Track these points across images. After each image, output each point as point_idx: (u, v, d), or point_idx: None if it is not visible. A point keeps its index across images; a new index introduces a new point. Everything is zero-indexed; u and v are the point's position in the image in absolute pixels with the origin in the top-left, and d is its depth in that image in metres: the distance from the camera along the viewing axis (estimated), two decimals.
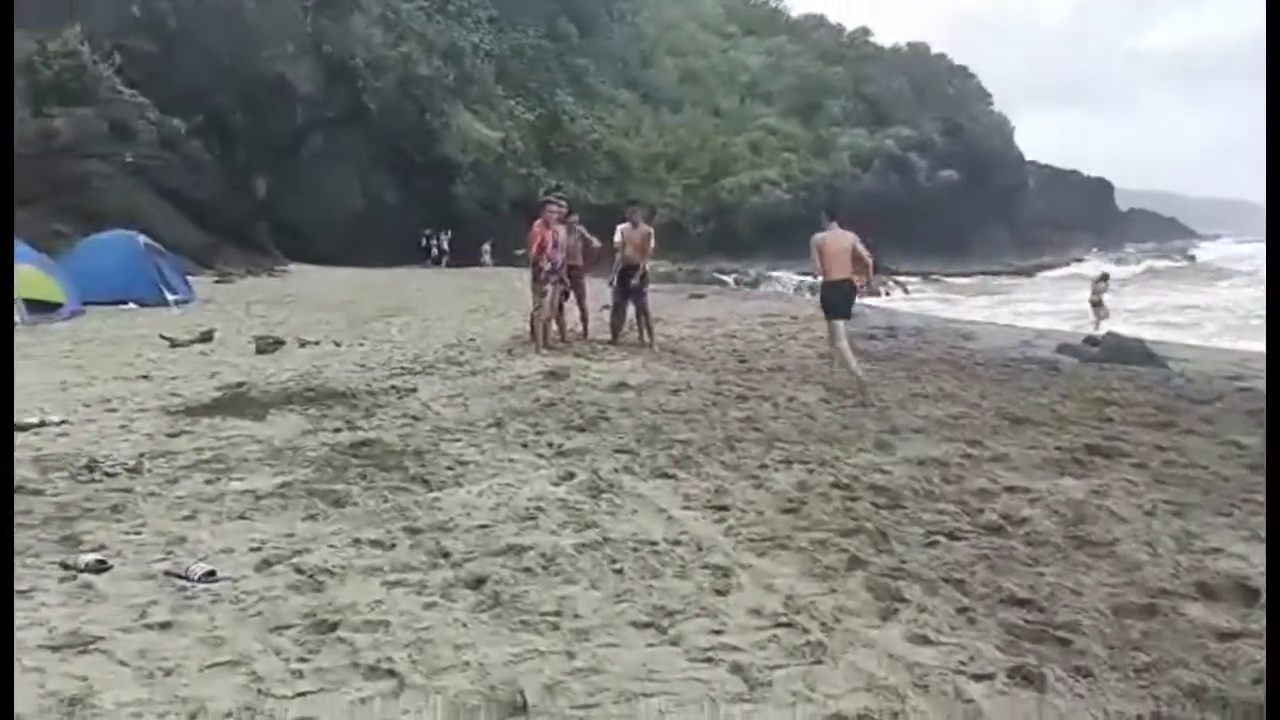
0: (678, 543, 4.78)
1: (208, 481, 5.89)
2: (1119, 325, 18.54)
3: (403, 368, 10.34)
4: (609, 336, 12.74)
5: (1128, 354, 12.29)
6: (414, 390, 8.96)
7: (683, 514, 5.31)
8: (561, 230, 12.12)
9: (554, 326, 12.22)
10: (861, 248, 9.70)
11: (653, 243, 12.52)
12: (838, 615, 3.90)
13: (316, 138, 42.61)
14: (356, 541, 4.77)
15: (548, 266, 11.86)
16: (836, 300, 9.71)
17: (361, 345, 12.31)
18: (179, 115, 33.19)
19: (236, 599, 4.07)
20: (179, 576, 4.31)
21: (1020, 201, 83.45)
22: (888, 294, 39.85)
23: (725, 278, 41.19)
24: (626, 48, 73.07)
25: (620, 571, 4.37)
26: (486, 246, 41.63)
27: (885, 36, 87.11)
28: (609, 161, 61.19)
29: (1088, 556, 4.67)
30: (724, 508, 5.39)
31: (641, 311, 12.23)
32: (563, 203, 12.46)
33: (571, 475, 6.05)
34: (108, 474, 6.05)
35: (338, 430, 7.35)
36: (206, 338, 12.77)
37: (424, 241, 42.11)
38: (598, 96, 66.67)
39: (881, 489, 5.82)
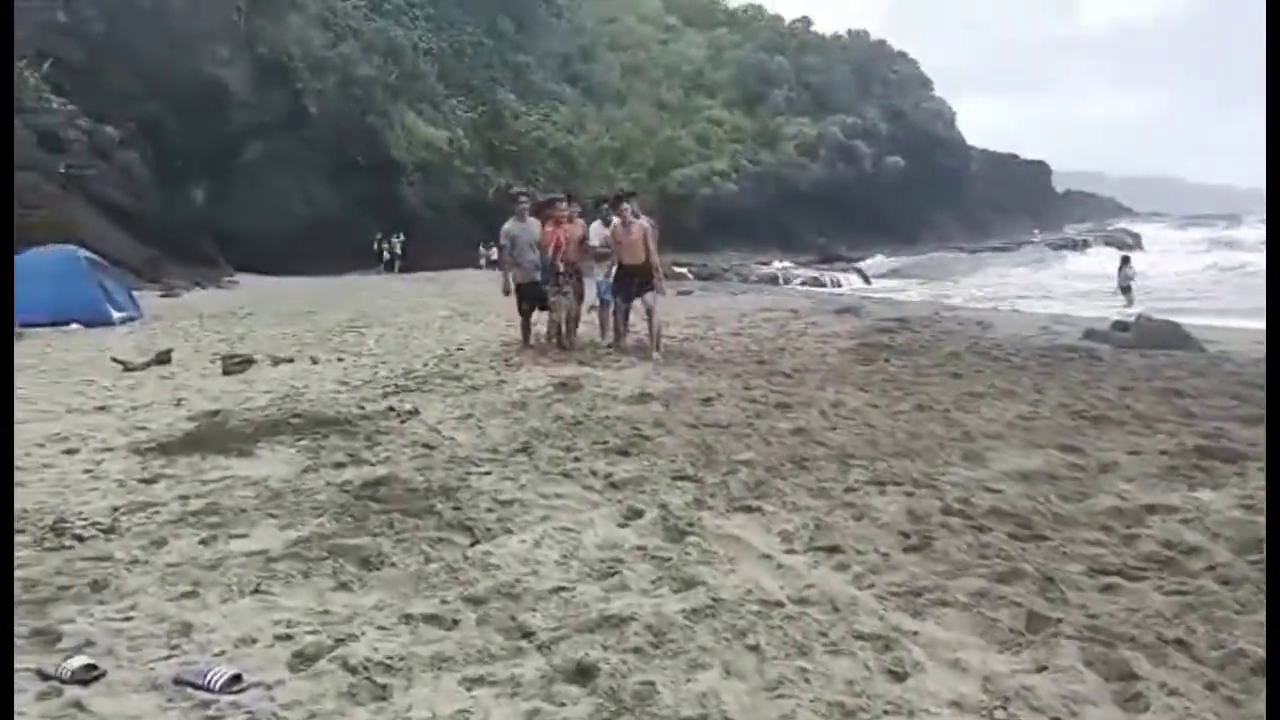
0: (806, 601, 3.90)
1: (203, 542, 4.87)
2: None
3: (395, 385, 9.29)
4: (600, 340, 11.83)
5: (1162, 337, 11.64)
6: (416, 412, 7.95)
7: (791, 559, 4.42)
8: (578, 228, 11.25)
9: (562, 332, 11.31)
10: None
11: (653, 239, 11.52)
12: (1071, 708, 3.04)
13: (255, 143, 41.07)
14: (408, 619, 3.82)
15: (561, 267, 10.94)
16: None
17: (340, 360, 11.21)
18: (111, 123, 31.59)
19: (276, 716, 3.12)
20: (195, 686, 3.33)
21: (965, 185, 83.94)
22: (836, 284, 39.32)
23: (680, 269, 40.34)
24: (567, 43, 72.18)
25: (757, 649, 3.47)
26: (489, 250, 39.68)
27: (822, 25, 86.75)
28: (555, 158, 60.40)
29: None
30: (836, 549, 4.51)
31: (650, 314, 11.30)
32: (566, 200, 11.51)
33: (638, 513, 5.14)
34: (79, 536, 5.01)
35: (341, 465, 6.35)
36: (164, 359, 11.58)
37: (376, 246, 40.71)
38: (541, 93, 65.76)
39: (1005, 514, 4.98)
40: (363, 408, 8.20)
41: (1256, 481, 5.49)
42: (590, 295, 12.24)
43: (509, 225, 11.31)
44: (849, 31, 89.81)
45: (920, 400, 8.16)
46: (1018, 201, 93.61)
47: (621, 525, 4.99)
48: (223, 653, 3.58)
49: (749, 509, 5.19)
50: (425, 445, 6.84)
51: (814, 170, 70.53)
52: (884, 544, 4.59)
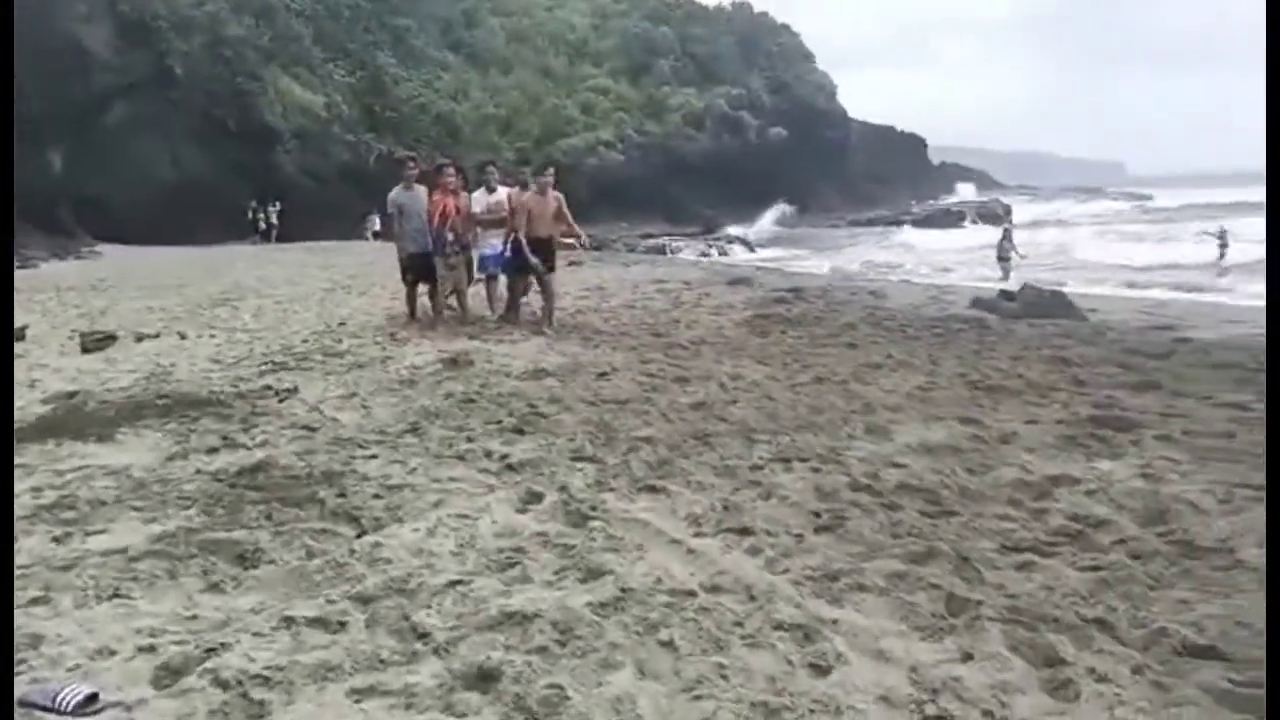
0: (719, 589, 3.70)
1: (55, 539, 4.40)
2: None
3: (272, 362, 8.73)
4: (490, 314, 11.44)
5: (1047, 306, 11.86)
6: (294, 390, 7.47)
7: (701, 544, 4.21)
8: (466, 198, 10.78)
9: (453, 304, 10.87)
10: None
11: (566, 211, 11.24)
12: (1001, 699, 2.91)
13: (119, 105, 38.85)
14: (289, 623, 3.48)
15: (450, 238, 10.47)
16: None
17: (212, 336, 10.53)
18: None
19: None
20: (44, 708, 2.95)
21: (846, 158, 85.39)
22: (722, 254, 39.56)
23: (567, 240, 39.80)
24: (449, 7, 70.46)
25: (671, 645, 3.25)
26: (372, 217, 38.32)
27: None
28: (438, 125, 59.08)
29: (1213, 569, 3.85)
30: (746, 531, 4.32)
31: (545, 287, 10.97)
32: (454, 169, 10.98)
33: (538, 496, 4.87)
34: None
35: (213, 450, 5.88)
36: (18, 336, 10.72)
37: (251, 214, 39.04)
38: (422, 59, 64.10)
39: (913, 489, 4.88)
40: (237, 387, 7.67)
41: (1153, 450, 5.54)
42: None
43: (395, 193, 10.78)
44: (732, 3, 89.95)
45: (819, 372, 8.06)
46: (896, 174, 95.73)
47: (520, 510, 4.71)
48: (77, 667, 3.20)
49: (653, 490, 4.97)
50: (306, 427, 6.40)
51: (700, 141, 70.76)
52: (795, 524, 4.43)
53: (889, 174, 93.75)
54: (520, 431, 6.20)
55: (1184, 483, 4.91)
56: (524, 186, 11.58)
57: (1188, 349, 9.21)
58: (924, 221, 60.34)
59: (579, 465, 5.42)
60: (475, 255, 11.00)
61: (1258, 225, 24.62)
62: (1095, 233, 40.22)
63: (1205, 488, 4.81)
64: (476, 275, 11.33)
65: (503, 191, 11.10)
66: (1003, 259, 24.20)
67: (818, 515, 4.54)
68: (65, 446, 6.04)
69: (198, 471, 5.41)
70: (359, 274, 18.06)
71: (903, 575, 3.78)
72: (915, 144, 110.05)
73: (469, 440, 5.97)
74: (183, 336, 10.44)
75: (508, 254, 10.87)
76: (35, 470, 5.53)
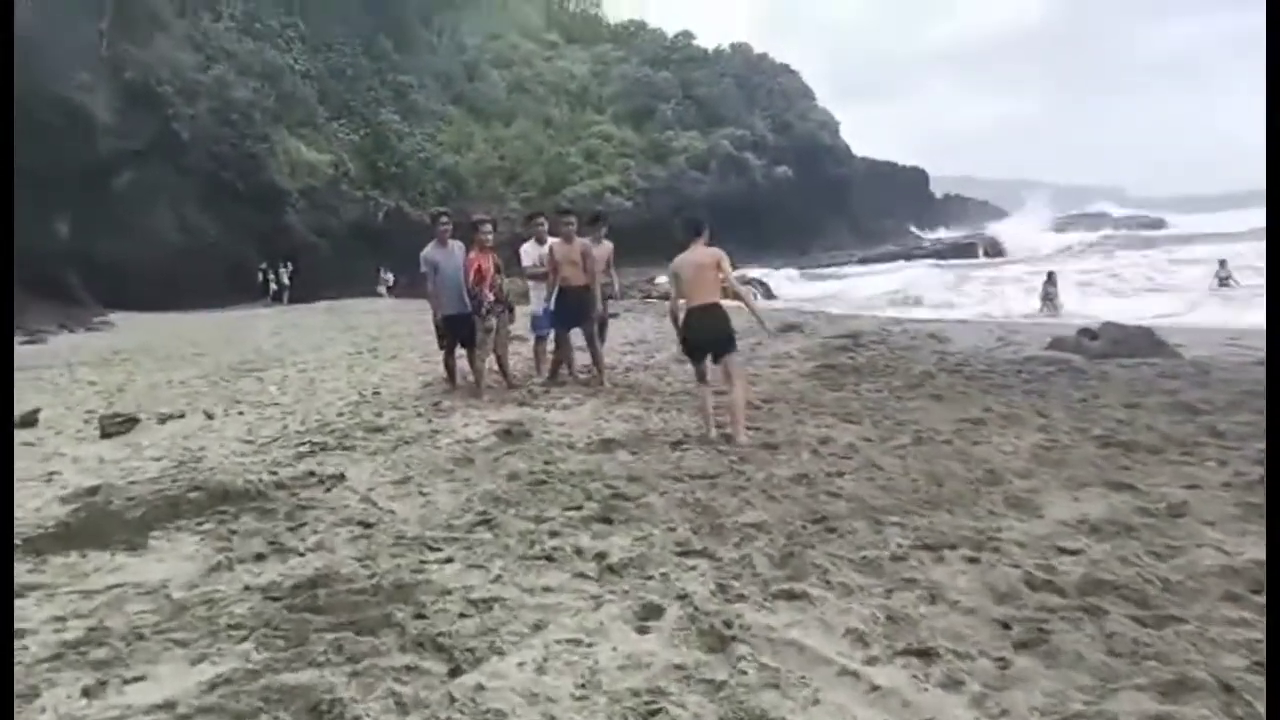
0: None
1: (86, 691, 3.64)
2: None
3: (310, 442, 7.95)
4: (537, 377, 10.72)
5: (1135, 344, 11.09)
6: (341, 477, 6.71)
7: (881, 674, 3.42)
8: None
9: (495, 367, 10.14)
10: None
11: (608, 259, 10.70)
12: None
13: (125, 171, 38.45)
14: None
15: (491, 298, 9.77)
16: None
17: (240, 414, 9.78)
18: None
19: None
20: None
21: (852, 194, 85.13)
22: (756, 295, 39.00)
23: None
24: (449, 62, 70.62)
25: None
26: (384, 274, 38.02)
27: (702, 40, 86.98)
28: (443, 178, 58.98)
29: None
30: (930, 652, 3.53)
31: (592, 343, 10.27)
32: (490, 224, 10.26)
33: (656, 610, 4.08)
34: None
35: (261, 558, 5.11)
36: (29, 421, 9.96)
37: (262, 276, 38.56)
38: (424, 113, 64.10)
39: (1106, 585, 4.08)
40: (276, 473, 6.90)
41: None
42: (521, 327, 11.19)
43: (429, 250, 10.09)
44: (731, 45, 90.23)
45: (916, 431, 7.29)
46: (900, 208, 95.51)
47: (640, 630, 3.93)
48: None
49: (791, 595, 4.17)
50: (361, 523, 5.63)
51: (706, 183, 70.59)
52: (986, 641, 3.63)
53: (893, 208, 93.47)
54: (607, 520, 5.42)
55: None
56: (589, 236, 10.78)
57: None
58: (938, 254, 59.80)
59: (690, 563, 4.64)
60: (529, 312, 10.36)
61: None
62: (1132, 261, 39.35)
63: None
64: (524, 333, 10.68)
65: (553, 242, 10.41)
66: (1047, 300, 23.62)
67: (1007, 627, 3.75)
68: (91, 559, 5.28)
69: (246, 588, 4.64)
70: (382, 336, 17.37)
71: (1163, 719, 2.99)
72: (917, 178, 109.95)
73: (552, 535, 5.20)
74: (209, 416, 9.67)
75: (552, 309, 10.21)
76: (58, 593, 4.75)
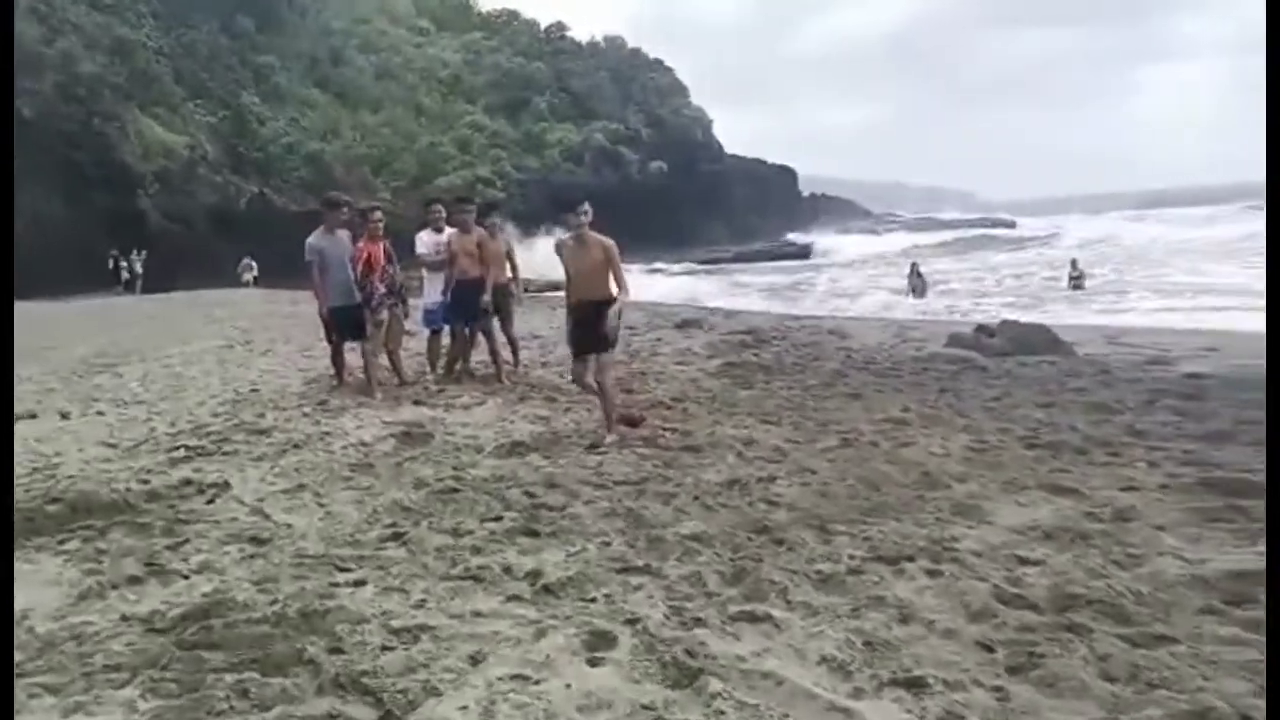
0: None
1: None
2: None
3: (185, 447, 7.16)
4: (430, 374, 10.12)
5: (1032, 342, 11.16)
6: (225, 485, 6.03)
7: (871, 709, 3.09)
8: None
9: (385, 363, 9.49)
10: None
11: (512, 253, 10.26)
12: None
13: None
14: None
15: (382, 289, 9.12)
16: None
17: (100, 413, 8.84)
18: None
19: None
20: None
21: (726, 191, 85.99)
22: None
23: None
24: (315, 44, 68.39)
25: None
26: (248, 262, 36.10)
27: (576, 32, 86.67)
28: (308, 166, 56.98)
29: None
30: (918, 682, 3.22)
31: (490, 338, 9.75)
32: (379, 212, 9.57)
33: (607, 638, 3.66)
34: None
35: (137, 581, 4.46)
36: None
37: (113, 264, 36.28)
38: (287, 97, 61.98)
39: (1081, 600, 3.86)
40: (147, 482, 6.14)
41: None
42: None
43: (316, 238, 9.38)
44: (605, 38, 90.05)
45: (840, 432, 7.05)
46: (770, 205, 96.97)
47: (593, 662, 3.50)
48: None
49: (753, 617, 3.81)
50: (253, 539, 5.02)
51: (581, 176, 70.14)
52: (974, 667, 3.35)
53: (763, 206, 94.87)
54: (533, 533, 4.96)
55: None
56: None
57: (1213, 384, 8.59)
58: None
59: (634, 581, 4.23)
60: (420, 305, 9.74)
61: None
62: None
63: None
64: (412, 327, 10.07)
65: (450, 232, 9.82)
66: (913, 289, 24.15)
67: (990, 649, 3.48)
68: None
69: (124, 618, 4.01)
70: (254, 328, 16.32)
71: None
72: (787, 177, 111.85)
73: (474, 551, 4.71)
74: (64, 416, 8.74)
75: (448, 302, 9.66)
76: None
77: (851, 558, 4.45)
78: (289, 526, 5.21)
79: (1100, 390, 8.54)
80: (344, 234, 9.39)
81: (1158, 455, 6.12)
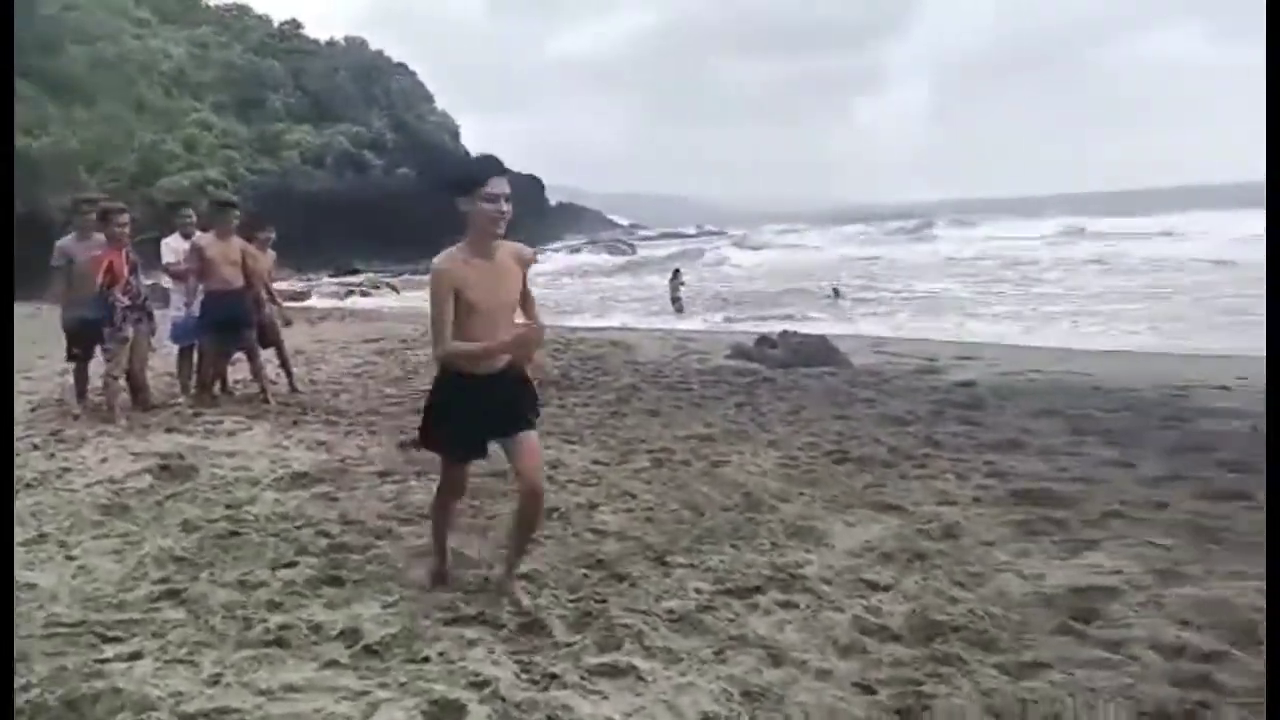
0: None
1: None
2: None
3: None
4: (182, 397, 9.06)
5: (813, 354, 11.37)
6: None
7: None
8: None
9: (124, 385, 8.33)
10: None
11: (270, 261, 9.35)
12: None
13: None
14: None
15: (125, 301, 7.98)
16: None
17: None
18: None
19: None
20: None
21: None
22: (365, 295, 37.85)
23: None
24: (20, 31, 61.79)
25: None
26: None
27: (311, 30, 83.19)
28: (14, 163, 51.41)
29: None
30: None
31: (254, 355, 8.83)
32: (125, 213, 8.35)
33: (454, 708, 3.16)
34: None
35: None
36: None
37: None
38: None
39: (944, 628, 3.75)
40: None
41: (1121, 534, 4.82)
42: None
43: (67, 242, 8.15)
44: (346, 38, 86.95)
45: (649, 452, 6.78)
46: (520, 216, 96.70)
47: None
48: None
49: (615, 670, 3.43)
50: None
51: (322, 180, 67.43)
52: (863, 713, 3.12)
53: (514, 215, 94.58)
54: (338, 581, 4.36)
55: (1210, 577, 4.19)
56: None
57: (984, 392, 9.03)
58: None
59: (469, 635, 3.75)
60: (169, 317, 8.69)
61: None
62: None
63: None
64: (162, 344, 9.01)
65: (203, 237, 8.79)
66: (675, 299, 24.36)
67: (872, 691, 3.27)
68: None
69: None
70: None
71: None
72: (533, 186, 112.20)
73: (272, 607, 4.06)
74: None
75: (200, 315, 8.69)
76: None
77: (699, 592, 4.16)
78: (33, 587, 4.34)
79: (888, 400, 8.78)
80: (101, 239, 8.19)
81: (962, 467, 6.25)
